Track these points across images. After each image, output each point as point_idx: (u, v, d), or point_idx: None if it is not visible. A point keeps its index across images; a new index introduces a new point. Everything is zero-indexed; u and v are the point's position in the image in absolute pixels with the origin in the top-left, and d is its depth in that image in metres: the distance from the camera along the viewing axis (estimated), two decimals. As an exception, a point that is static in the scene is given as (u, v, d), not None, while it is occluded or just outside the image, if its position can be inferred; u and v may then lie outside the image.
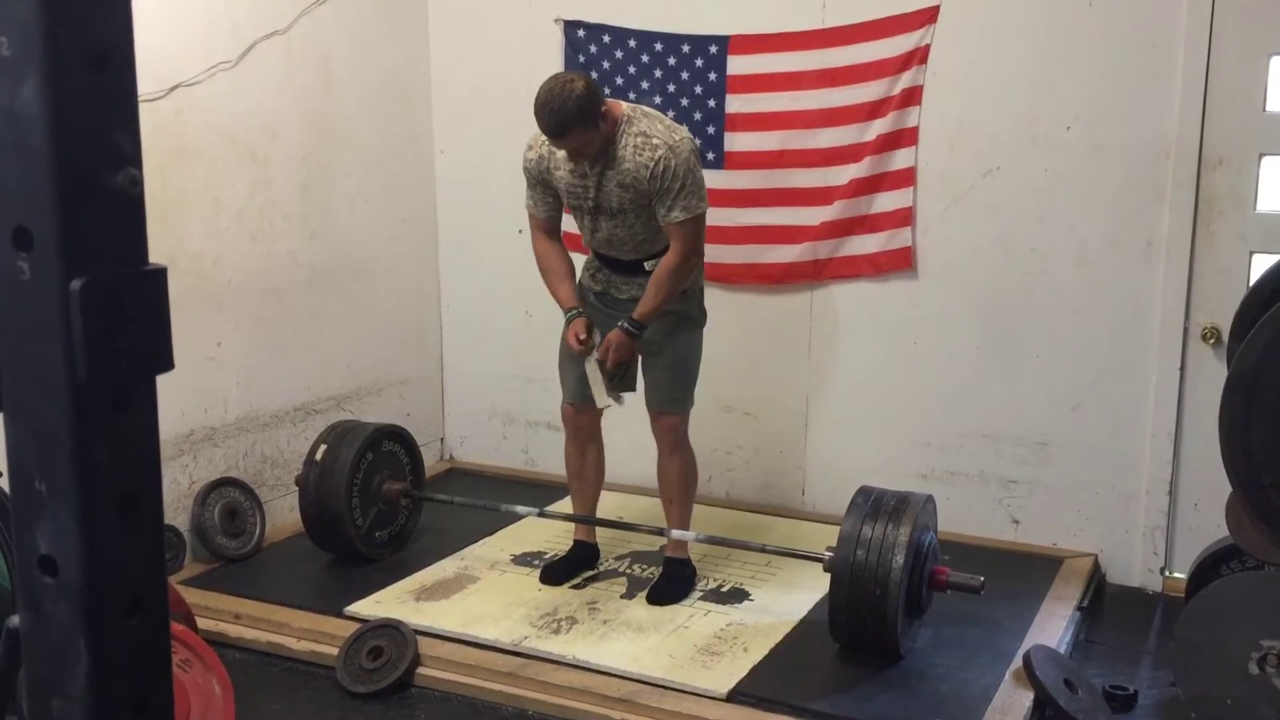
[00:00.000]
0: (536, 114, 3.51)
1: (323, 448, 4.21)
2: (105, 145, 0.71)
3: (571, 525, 4.26)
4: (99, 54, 0.70)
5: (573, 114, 3.45)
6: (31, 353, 0.71)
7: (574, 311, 3.84)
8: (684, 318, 3.87)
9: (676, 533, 3.98)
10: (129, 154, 0.72)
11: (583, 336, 3.77)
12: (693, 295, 3.89)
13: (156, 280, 0.74)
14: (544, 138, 3.63)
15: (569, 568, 4.15)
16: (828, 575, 3.50)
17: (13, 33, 0.68)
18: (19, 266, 0.70)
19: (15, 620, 2.05)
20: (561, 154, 3.67)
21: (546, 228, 3.92)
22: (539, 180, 3.82)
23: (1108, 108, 4.16)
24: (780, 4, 4.57)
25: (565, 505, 4.36)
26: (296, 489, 4.28)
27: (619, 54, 4.85)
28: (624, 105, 3.69)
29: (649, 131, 3.60)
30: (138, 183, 0.73)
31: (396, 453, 4.41)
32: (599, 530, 4.25)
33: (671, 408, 3.95)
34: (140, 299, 0.73)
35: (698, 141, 4.16)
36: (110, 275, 0.71)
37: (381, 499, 4.31)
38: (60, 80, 0.69)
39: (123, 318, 0.72)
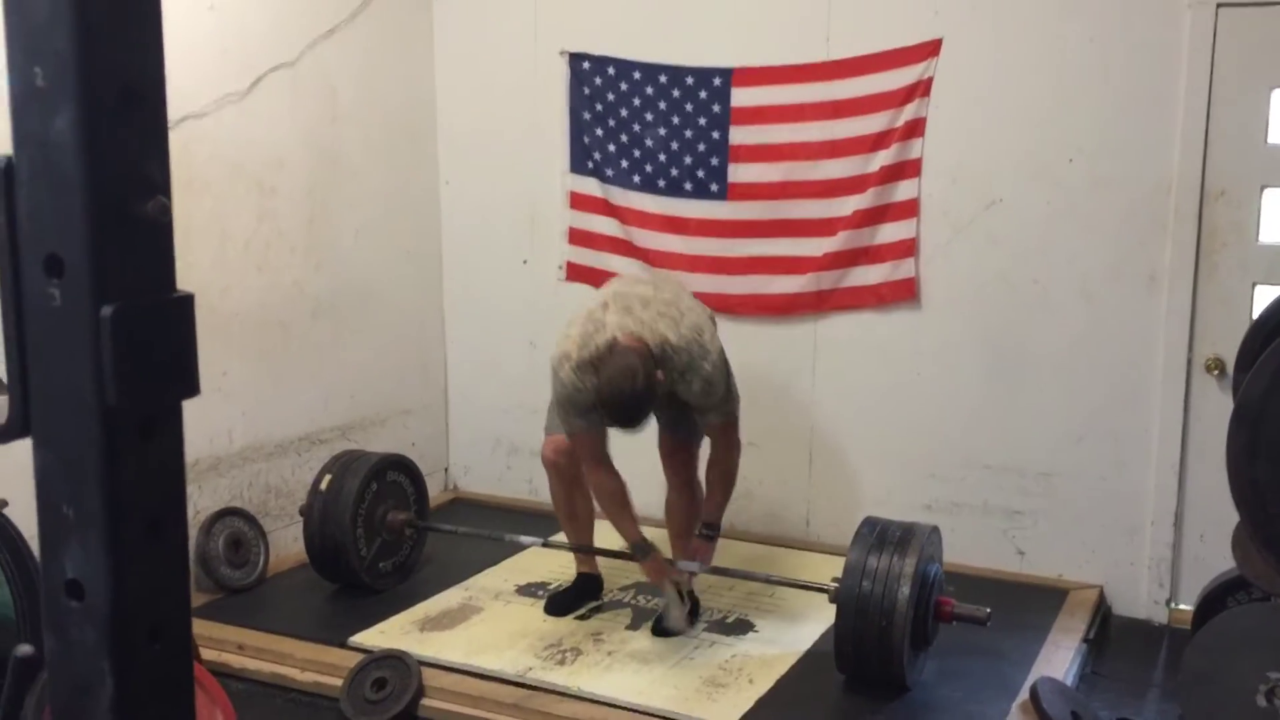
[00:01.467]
0: (611, 411, 3.46)
1: (327, 478, 4.21)
2: (136, 174, 0.72)
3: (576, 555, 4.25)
4: (131, 86, 0.71)
5: (647, 405, 3.46)
6: (61, 378, 0.72)
7: (646, 545, 3.84)
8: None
9: (681, 564, 3.98)
10: (159, 183, 0.73)
11: (665, 570, 3.87)
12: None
13: (184, 307, 0.75)
14: (593, 379, 3.52)
15: (574, 599, 4.14)
16: (833, 606, 3.49)
17: (47, 64, 0.70)
18: (50, 293, 0.71)
19: (22, 649, 2.04)
20: None
21: (601, 452, 3.79)
22: (593, 409, 3.62)
23: (1110, 140, 4.18)
24: (784, 36, 4.61)
25: (569, 536, 4.35)
26: (300, 519, 4.28)
27: (624, 86, 4.88)
28: (659, 341, 3.53)
29: (682, 368, 3.58)
30: (167, 211, 0.74)
31: (401, 483, 4.41)
32: (601, 560, 4.24)
33: (693, 439, 3.99)
34: (168, 325, 0.74)
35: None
36: (140, 302, 0.72)
37: (386, 529, 4.30)
38: (93, 111, 0.70)
39: (151, 344, 0.73)
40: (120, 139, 0.72)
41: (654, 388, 3.44)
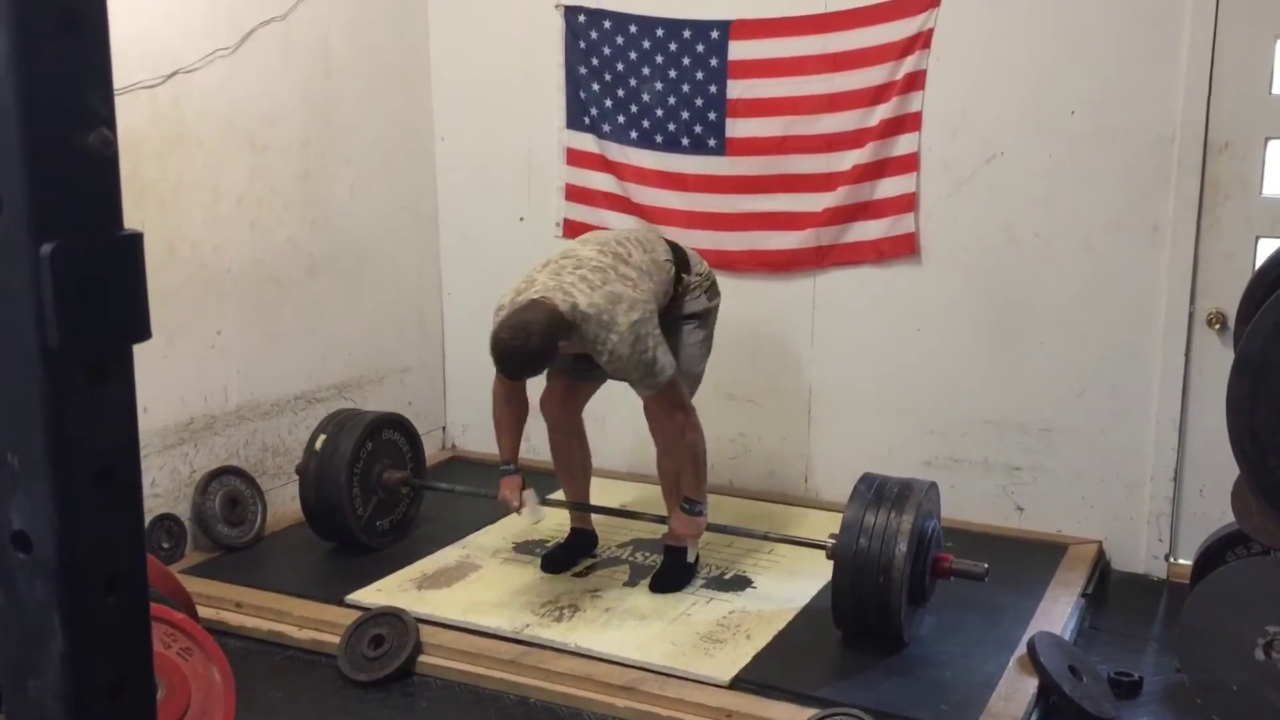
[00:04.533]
0: (495, 359, 3.48)
1: (322, 437, 4.19)
2: (77, 104, 0.68)
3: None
4: (70, 10, 0.67)
5: (529, 366, 3.49)
6: (2, 320, 0.69)
7: (511, 467, 3.92)
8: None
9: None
10: (102, 114, 0.70)
11: (515, 501, 3.91)
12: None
13: (131, 246, 0.71)
14: None
15: (569, 554, 4.14)
16: (831, 563, 3.48)
17: (-21, -14, 0.66)
18: (-12, 231, 0.68)
19: None
20: None
21: (511, 383, 3.84)
22: None
23: (1112, 92, 4.12)
24: (782, -12, 4.54)
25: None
26: (297, 478, 4.26)
27: (620, 40, 4.82)
28: (569, 306, 3.47)
29: (590, 337, 3.52)
30: (111, 144, 0.71)
31: (397, 441, 4.39)
32: (597, 516, 4.23)
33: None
34: (115, 265, 0.71)
35: (644, 302, 3.65)
36: (83, 240, 0.69)
37: (382, 488, 4.29)
38: (29, 37, 0.66)
39: (96, 284, 0.70)
40: (60, 66, 0.68)
41: (546, 350, 3.42)
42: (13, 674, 0.72)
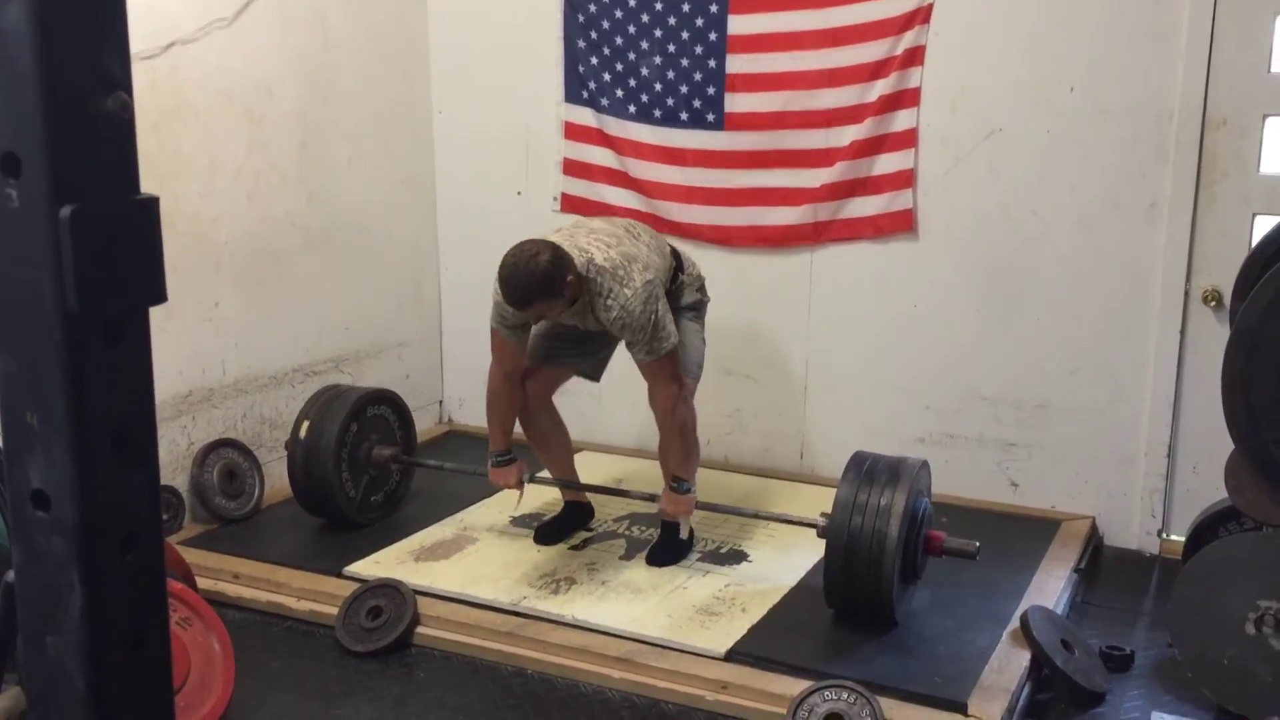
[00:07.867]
0: (501, 282, 3.46)
1: (305, 424, 4.13)
2: (95, 68, 0.69)
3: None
4: (87, -26, 0.68)
5: (536, 287, 3.40)
6: (21, 282, 0.70)
7: (511, 455, 3.92)
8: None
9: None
10: (119, 78, 0.70)
11: (517, 486, 3.95)
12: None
13: (148, 210, 0.72)
14: None
15: (563, 527, 4.16)
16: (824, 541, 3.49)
17: (-2, -50, 0.66)
18: (7, 194, 0.68)
19: (13, 576, 2.04)
20: None
21: (511, 361, 3.83)
22: (517, 321, 3.70)
23: (1111, 69, 4.12)
24: (782, -38, 4.52)
25: (563, 468, 4.35)
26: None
27: (619, 13, 4.80)
28: (585, 261, 3.51)
29: (604, 292, 3.52)
30: (128, 107, 0.71)
31: (385, 415, 4.36)
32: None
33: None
34: (132, 228, 0.71)
35: (665, 262, 3.78)
36: (101, 203, 0.69)
37: (372, 465, 4.27)
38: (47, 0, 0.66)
39: (114, 247, 0.70)
40: (77, 30, 0.68)
41: (554, 279, 3.38)
42: (31, 630, 0.74)
